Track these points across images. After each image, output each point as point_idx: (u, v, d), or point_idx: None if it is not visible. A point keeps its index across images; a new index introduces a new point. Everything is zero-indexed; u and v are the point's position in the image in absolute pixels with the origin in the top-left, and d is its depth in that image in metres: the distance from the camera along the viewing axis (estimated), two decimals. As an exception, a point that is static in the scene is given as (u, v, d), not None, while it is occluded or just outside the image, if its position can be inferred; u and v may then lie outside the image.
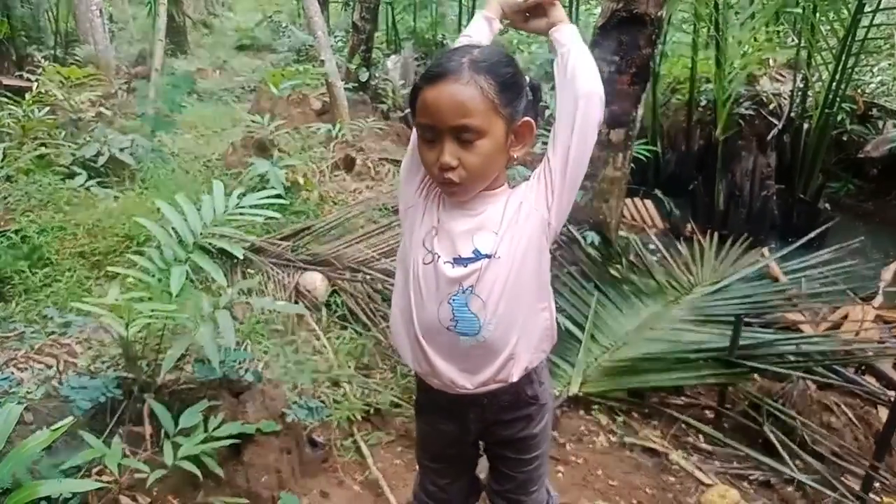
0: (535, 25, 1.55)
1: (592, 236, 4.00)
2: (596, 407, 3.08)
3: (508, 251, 1.41)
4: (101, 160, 4.82)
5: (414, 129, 1.49)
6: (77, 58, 7.93)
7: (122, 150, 4.93)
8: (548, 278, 1.52)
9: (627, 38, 3.86)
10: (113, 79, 7.61)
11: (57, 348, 3.00)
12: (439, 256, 1.43)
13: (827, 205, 6.75)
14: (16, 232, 3.71)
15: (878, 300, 4.04)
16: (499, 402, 1.55)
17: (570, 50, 1.44)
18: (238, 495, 2.31)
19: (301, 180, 4.76)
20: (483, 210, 1.44)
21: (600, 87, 1.42)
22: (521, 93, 1.39)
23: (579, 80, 1.41)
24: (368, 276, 3.68)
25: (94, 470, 2.31)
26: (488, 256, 1.40)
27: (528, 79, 1.44)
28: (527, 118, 1.40)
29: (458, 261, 1.42)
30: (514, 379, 1.50)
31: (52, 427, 1.86)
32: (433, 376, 1.51)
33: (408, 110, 8.39)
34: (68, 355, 2.99)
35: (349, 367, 3.18)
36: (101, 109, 6.09)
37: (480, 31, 1.55)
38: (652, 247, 4.89)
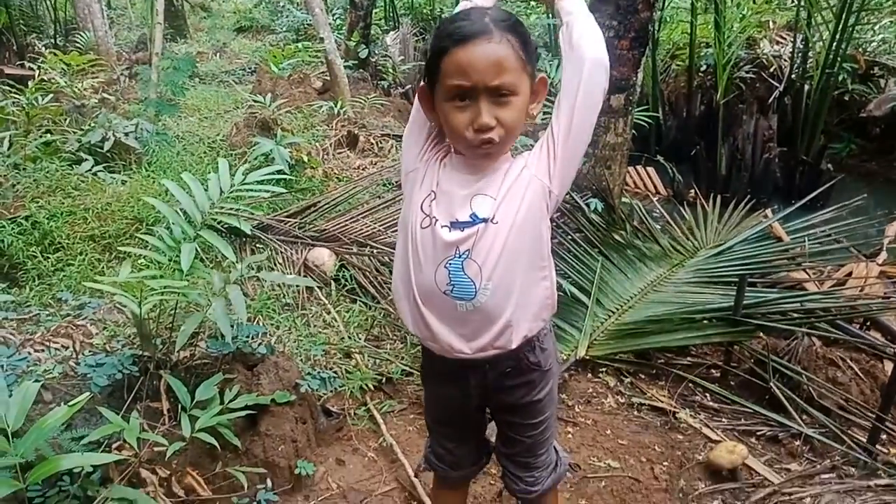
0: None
1: (595, 203, 4.03)
2: (603, 369, 3.12)
3: (507, 216, 1.41)
4: (107, 145, 4.85)
5: (417, 96, 1.50)
6: (77, 45, 7.94)
7: (126, 134, 4.96)
8: (548, 247, 1.51)
9: (625, 2, 3.85)
10: (114, 65, 7.61)
11: (72, 330, 3.05)
12: (437, 220, 1.44)
13: (829, 165, 6.72)
14: (26, 218, 3.75)
15: (883, 256, 4.06)
16: (500, 368, 1.56)
17: (576, 18, 1.44)
18: (256, 465, 2.37)
19: (305, 158, 4.78)
20: (483, 175, 1.45)
21: (605, 54, 1.41)
22: (535, 50, 1.42)
23: (585, 48, 1.40)
24: (375, 250, 3.72)
25: (114, 445, 2.36)
26: (485, 220, 1.41)
27: None
28: (542, 74, 1.44)
29: (455, 224, 1.42)
30: (514, 346, 1.50)
31: (71, 403, 1.90)
32: (432, 340, 1.52)
33: (409, 86, 8.37)
34: (84, 336, 3.05)
35: (360, 338, 3.23)
36: (105, 95, 6.11)
37: None
38: (656, 214, 4.91)
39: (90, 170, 4.53)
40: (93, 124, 5.09)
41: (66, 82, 5.93)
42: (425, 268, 1.45)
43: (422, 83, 1.48)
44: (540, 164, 1.44)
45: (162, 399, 2.56)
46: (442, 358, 1.55)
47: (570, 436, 2.72)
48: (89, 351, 2.84)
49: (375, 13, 10.20)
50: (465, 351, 1.49)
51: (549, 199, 1.45)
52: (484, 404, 1.72)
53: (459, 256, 1.42)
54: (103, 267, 3.59)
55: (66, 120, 5.37)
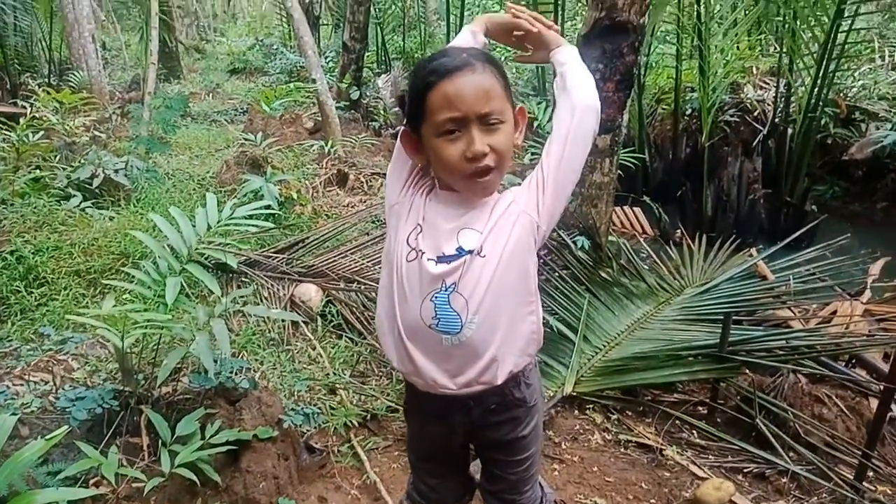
0: (538, 56, 1.62)
1: (582, 241, 4.05)
2: (590, 406, 3.11)
3: (494, 250, 1.41)
4: (96, 182, 4.87)
5: (399, 140, 1.51)
6: (71, 84, 8.00)
7: (116, 171, 4.98)
8: (535, 282, 1.51)
9: (610, 47, 3.93)
10: (107, 104, 7.68)
11: (53, 364, 3.03)
12: (423, 253, 1.43)
13: (814, 207, 6.82)
14: (11, 253, 3.74)
15: (867, 295, 4.08)
16: (485, 404, 1.54)
17: (569, 68, 1.52)
18: (236, 502, 2.33)
19: (295, 195, 4.81)
20: (470, 209, 1.45)
21: (597, 100, 1.49)
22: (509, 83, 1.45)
23: (577, 93, 1.48)
24: (363, 286, 3.72)
25: (91, 481, 2.33)
26: (470, 253, 1.40)
27: None
28: (519, 105, 1.47)
29: (442, 258, 1.42)
30: (499, 382, 1.48)
31: (48, 437, 1.87)
32: (417, 376, 1.50)
33: (399, 127, 8.47)
34: (65, 371, 3.02)
35: (345, 374, 3.21)
36: (96, 133, 6.15)
37: (466, 43, 1.58)
38: (643, 254, 4.94)
39: (78, 206, 4.54)
40: (83, 161, 5.12)
41: (57, 120, 5.97)
42: (411, 301, 1.44)
43: (404, 127, 1.49)
44: (529, 199, 1.45)
45: (142, 434, 2.53)
46: (426, 394, 1.53)
47: (556, 473, 2.69)
48: (69, 385, 2.81)
49: (367, 56, 10.38)
50: (450, 386, 1.48)
51: (537, 234, 1.46)
52: (468, 441, 1.70)
53: (446, 290, 1.41)
54: (88, 302, 3.57)
55: (56, 157, 5.40)
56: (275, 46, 14.30)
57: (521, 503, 1.73)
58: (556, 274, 3.75)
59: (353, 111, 8.60)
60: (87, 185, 4.86)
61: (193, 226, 2.69)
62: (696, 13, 6.88)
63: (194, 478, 2.16)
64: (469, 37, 1.60)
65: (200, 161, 6.50)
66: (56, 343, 3.16)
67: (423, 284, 1.43)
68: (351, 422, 2.87)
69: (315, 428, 2.81)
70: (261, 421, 2.50)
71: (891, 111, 7.63)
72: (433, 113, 1.37)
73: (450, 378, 1.47)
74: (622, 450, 2.87)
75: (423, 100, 1.38)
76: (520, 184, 1.52)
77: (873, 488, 2.65)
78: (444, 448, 1.71)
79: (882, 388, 2.71)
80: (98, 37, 9.47)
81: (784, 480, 2.68)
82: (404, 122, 1.49)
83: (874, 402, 2.92)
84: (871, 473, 2.68)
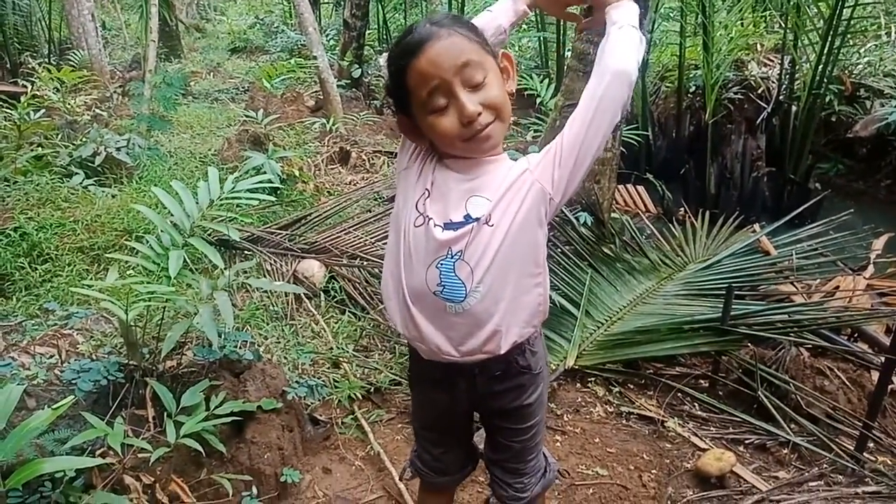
0: (599, 18, 1.48)
1: (585, 217, 4.05)
2: (592, 379, 3.12)
3: (503, 219, 1.39)
4: (98, 160, 4.86)
5: (397, 120, 1.50)
6: (71, 63, 7.96)
7: (118, 149, 4.97)
8: (544, 253, 1.48)
9: (614, 20, 3.89)
10: (108, 82, 7.65)
11: (58, 339, 3.04)
12: (431, 219, 1.41)
13: (817, 185, 6.79)
14: (14, 230, 3.74)
15: (870, 270, 4.08)
16: (489, 372, 1.53)
17: (617, 28, 1.39)
18: (241, 472, 2.35)
19: (297, 172, 4.81)
20: (480, 175, 1.43)
21: (634, 67, 1.36)
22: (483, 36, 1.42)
23: (614, 55, 1.37)
24: (366, 262, 3.73)
25: (98, 452, 2.34)
26: (478, 221, 1.39)
27: None
28: (503, 51, 1.45)
29: (449, 225, 1.40)
30: (502, 352, 1.48)
31: (54, 406, 1.88)
32: (421, 342, 1.49)
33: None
34: (70, 345, 3.03)
35: (348, 348, 3.22)
36: (97, 111, 6.14)
37: (504, 9, 1.55)
38: (647, 231, 4.93)
39: (80, 183, 4.54)
40: (84, 139, 5.11)
41: (58, 98, 5.96)
42: (416, 267, 1.43)
43: (398, 117, 1.48)
44: (544, 169, 1.41)
45: (147, 406, 2.55)
46: (430, 361, 1.53)
47: (558, 444, 2.71)
48: (75, 359, 2.83)
49: (369, 34, 10.32)
50: (454, 354, 1.47)
51: (549, 206, 1.42)
52: (472, 409, 1.70)
53: (451, 257, 1.40)
54: (91, 278, 3.58)
55: (57, 135, 5.39)
56: (275, 25, 14.21)
57: (525, 472, 1.73)
58: (559, 249, 3.75)
59: (354, 89, 8.55)
60: (90, 163, 4.86)
61: (196, 200, 2.69)
62: (700, -11, 6.81)
63: (199, 448, 2.18)
64: (509, 4, 1.57)
65: (202, 139, 6.49)
66: (61, 318, 3.17)
67: (429, 250, 1.42)
68: (355, 394, 2.88)
69: (319, 400, 2.83)
70: (265, 393, 2.52)
71: (896, 88, 7.57)
72: (415, 92, 1.36)
73: (453, 346, 1.46)
74: (624, 421, 2.89)
75: (403, 84, 1.37)
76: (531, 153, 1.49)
77: (874, 458, 2.67)
78: (449, 416, 1.71)
79: (883, 360, 2.72)
80: (98, 16, 9.41)
81: (785, 451, 2.70)
82: (396, 111, 1.47)
83: (875, 375, 2.93)
84: (871, 444, 2.70)
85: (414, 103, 1.38)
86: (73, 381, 2.39)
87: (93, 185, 4.59)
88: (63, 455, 2.12)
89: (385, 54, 10.25)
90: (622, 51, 1.37)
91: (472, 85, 1.34)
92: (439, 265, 1.41)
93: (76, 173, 4.68)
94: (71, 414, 2.41)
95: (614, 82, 1.36)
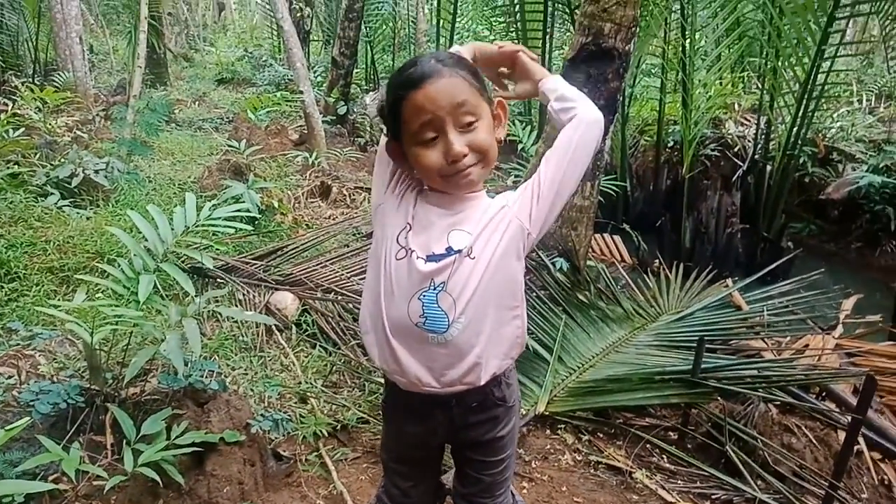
0: (522, 90, 1.62)
1: (561, 262, 4.07)
2: (562, 426, 3.10)
3: (484, 253, 1.43)
4: (76, 181, 4.82)
5: (385, 149, 1.52)
6: (56, 84, 7.94)
7: (97, 171, 4.94)
8: (522, 287, 1.53)
9: (596, 72, 3.99)
10: (91, 105, 7.62)
11: (20, 359, 2.96)
12: (413, 251, 1.44)
13: (790, 244, 6.91)
14: (-17, 247, 3.68)
15: (839, 330, 4.13)
16: (466, 403, 1.55)
17: (566, 90, 1.54)
18: (199, 506, 2.28)
19: (276, 204, 4.80)
20: (461, 210, 1.47)
21: (601, 116, 1.51)
22: (484, 81, 1.47)
23: (583, 108, 1.50)
24: (340, 296, 3.70)
25: (51, 477, 2.27)
26: (459, 253, 1.42)
27: None
28: (497, 98, 1.50)
29: (431, 257, 1.43)
30: (482, 383, 1.50)
31: (7, 427, 1.83)
32: (401, 375, 1.50)
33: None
34: (31, 366, 2.96)
35: (317, 383, 3.17)
36: (78, 133, 6.10)
37: None
38: (622, 281, 4.97)
39: (56, 204, 4.49)
40: (63, 160, 5.08)
41: (39, 118, 5.92)
42: (398, 299, 1.45)
43: (387, 139, 1.51)
44: (522, 206, 1.47)
45: (106, 433, 2.48)
46: (408, 393, 1.54)
47: (525, 491, 2.67)
48: (34, 380, 2.75)
49: (356, 73, 10.44)
50: (434, 385, 1.49)
51: (526, 241, 1.48)
52: (446, 441, 1.70)
53: (434, 288, 1.42)
54: (59, 299, 3.51)
55: (36, 154, 5.35)
56: (264, 58, 14.34)
57: None
58: (534, 294, 3.75)
59: (339, 126, 8.62)
60: (66, 184, 4.82)
61: (171, 225, 2.67)
62: (681, 47, 7.01)
63: (157, 478, 2.12)
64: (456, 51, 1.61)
65: (182, 166, 6.46)
66: (24, 339, 3.09)
67: (411, 282, 1.44)
68: (320, 431, 2.83)
69: (283, 435, 2.77)
70: (228, 424, 2.46)
71: (867, 153, 7.79)
72: (408, 122, 1.40)
73: (434, 377, 1.48)
74: (592, 471, 2.86)
75: (398, 112, 1.41)
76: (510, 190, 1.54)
77: (839, 519, 2.66)
78: (422, 449, 1.71)
79: (850, 419, 2.73)
80: (85, 39, 9.41)
81: (751, 508, 2.69)
82: (385, 132, 1.51)
83: (842, 435, 2.95)
84: (837, 504, 2.69)
85: (405, 131, 1.42)
86: (31, 403, 2.32)
87: (68, 206, 4.54)
88: (12, 479, 2.05)
89: (371, 93, 10.38)
90: (589, 104, 1.52)
91: (462, 125, 1.39)
92: (422, 297, 1.43)
93: (52, 193, 4.63)
94: (26, 437, 2.34)
95: (591, 129, 1.50)
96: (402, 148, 1.47)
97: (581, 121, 1.48)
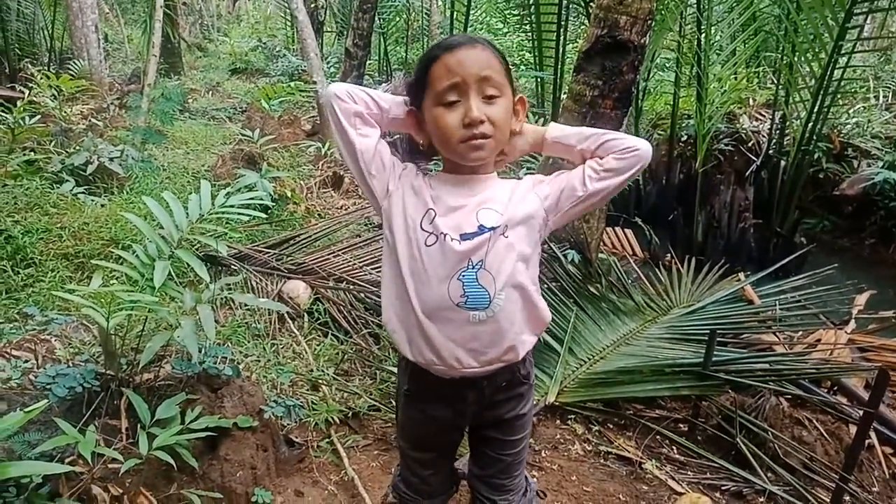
0: (521, 147, 1.60)
1: (573, 254, 4.07)
2: (572, 416, 3.11)
3: (515, 231, 1.47)
4: (90, 168, 4.86)
5: (406, 112, 1.54)
6: (71, 72, 7.99)
7: (112, 159, 4.98)
8: (537, 271, 1.57)
9: (611, 64, 3.97)
10: (106, 94, 7.67)
11: (36, 343, 3.00)
12: (446, 234, 1.45)
13: (803, 239, 6.87)
14: (0, 232, 3.71)
15: (851, 325, 4.12)
16: (497, 382, 1.59)
17: (582, 129, 1.56)
18: (212, 490, 2.31)
19: (289, 193, 4.81)
20: (482, 190, 1.50)
21: (650, 149, 1.53)
22: (511, 70, 1.50)
23: (641, 144, 1.51)
24: (353, 286, 3.72)
25: (67, 459, 2.30)
26: (493, 230, 1.45)
27: None
28: (521, 94, 1.53)
29: (465, 236, 1.45)
30: (520, 358, 1.55)
31: (27, 409, 1.85)
32: (438, 361, 1.51)
33: (397, 136, 8.50)
34: (47, 351, 2.99)
35: (328, 371, 3.19)
36: (93, 121, 6.15)
37: (393, 106, 1.55)
38: (633, 274, 4.96)
39: (70, 190, 4.52)
40: (78, 147, 5.11)
41: (55, 106, 5.96)
42: (435, 284, 1.46)
43: (409, 111, 1.53)
44: (551, 200, 1.52)
45: (121, 417, 2.51)
46: (439, 379, 1.56)
47: (535, 480, 2.67)
48: (50, 364, 2.78)
49: (369, 65, 10.43)
50: (474, 365, 1.51)
51: (544, 230, 1.54)
52: (473, 423, 1.72)
53: (473, 267, 1.45)
54: (74, 284, 3.54)
55: (51, 142, 5.39)
56: (277, 49, 14.36)
57: (511, 488, 1.76)
58: (546, 285, 3.75)
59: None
60: (81, 171, 4.86)
61: (186, 212, 2.69)
62: (696, 41, 6.96)
63: (171, 462, 2.14)
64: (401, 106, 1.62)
65: (196, 155, 6.50)
66: (40, 324, 3.13)
67: (448, 264, 1.45)
68: (332, 418, 2.85)
69: (296, 422, 2.79)
70: (242, 410, 2.49)
71: (882, 150, 7.72)
72: (434, 82, 1.43)
73: (474, 357, 1.50)
74: (601, 461, 2.87)
75: (427, 72, 1.45)
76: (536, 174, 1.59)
77: (849, 512, 2.66)
78: (445, 433, 1.73)
79: (861, 414, 2.73)
80: (101, 28, 9.46)
81: (761, 500, 2.69)
82: (410, 102, 1.53)
83: (853, 429, 2.94)
84: (847, 498, 2.68)
85: (428, 94, 1.46)
86: (48, 387, 2.35)
87: (83, 193, 4.57)
88: (31, 460, 2.08)
89: (384, 84, 10.38)
90: (633, 139, 1.52)
91: (485, 95, 1.42)
92: (461, 277, 1.45)
93: (67, 180, 4.67)
94: (43, 419, 2.36)
95: (642, 168, 1.54)
96: (418, 118, 1.51)
97: (641, 160, 1.51)
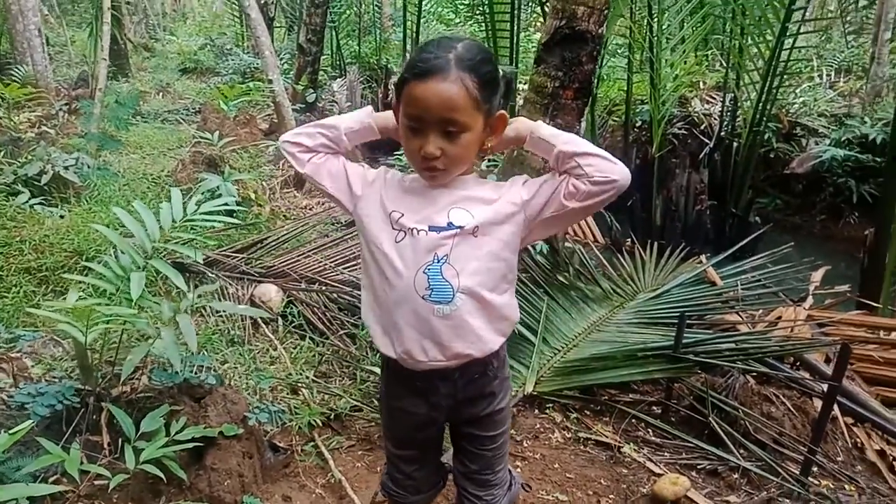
0: (507, 140, 1.60)
1: (541, 245, 4.13)
2: (550, 405, 3.17)
3: (487, 232, 1.49)
4: (45, 178, 4.74)
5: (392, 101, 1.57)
6: (14, 78, 7.74)
7: (66, 168, 4.86)
8: (515, 267, 1.59)
9: (570, 55, 4.02)
10: (53, 100, 7.46)
11: (6, 362, 2.93)
12: (413, 229, 1.48)
13: (757, 218, 7.10)
14: (-44, 249, 3.62)
15: (809, 301, 4.27)
16: (468, 375, 1.61)
17: (564, 139, 1.52)
18: (200, 500, 2.30)
19: (252, 195, 4.77)
20: (457, 190, 1.52)
21: (628, 174, 1.49)
22: (497, 88, 1.48)
23: (619, 170, 1.48)
24: (325, 287, 3.71)
25: (51, 479, 2.27)
26: (461, 228, 1.47)
27: (501, 71, 1.50)
28: (501, 111, 1.51)
29: (433, 228, 1.48)
30: (487, 352, 1.56)
31: (11, 431, 1.83)
32: (406, 353, 1.54)
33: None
34: (18, 369, 2.93)
35: (307, 374, 3.20)
36: (43, 129, 5.98)
37: (344, 122, 1.62)
38: (596, 261, 5.04)
39: (27, 202, 4.41)
40: (30, 157, 4.98)
41: (2, 114, 5.78)
42: (404, 275, 1.49)
43: (395, 102, 1.55)
44: (533, 204, 1.53)
45: (102, 432, 2.48)
46: (411, 373, 1.58)
47: (518, 470, 2.73)
48: (25, 383, 2.73)
49: (323, 60, 10.34)
50: (440, 358, 1.53)
51: (524, 232, 1.55)
52: (447, 419, 1.74)
53: (438, 261, 1.47)
54: (39, 299, 3.48)
55: (0, 152, 5.22)
56: (227, 47, 14.10)
57: (495, 483, 1.79)
58: (517, 277, 3.81)
59: (308, 114, 8.54)
60: (36, 182, 4.74)
61: (158, 221, 2.66)
62: (648, 27, 7.09)
63: (160, 474, 2.13)
64: (366, 127, 1.65)
65: (153, 160, 6.38)
66: (7, 341, 3.06)
67: (416, 257, 1.48)
68: (314, 421, 2.86)
69: (278, 427, 2.80)
70: (226, 418, 2.48)
71: (829, 128, 7.99)
72: (403, 104, 1.46)
73: (440, 350, 1.52)
74: (581, 447, 2.94)
75: (401, 90, 1.46)
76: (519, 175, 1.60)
77: (817, 482, 2.78)
78: (424, 428, 1.75)
79: (826, 387, 2.85)
80: (42, 31, 9.17)
81: (735, 476, 2.79)
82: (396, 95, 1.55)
83: (818, 402, 3.07)
84: (815, 468, 2.81)
85: (402, 108, 1.47)
86: (27, 406, 2.31)
87: (39, 204, 4.46)
88: (16, 482, 2.05)
89: (339, 80, 10.30)
90: (616, 166, 1.48)
91: (445, 132, 1.43)
92: (427, 270, 1.48)
93: (21, 192, 4.55)
94: (22, 440, 2.33)
95: (616, 192, 1.50)
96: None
97: (617, 187, 1.48)
